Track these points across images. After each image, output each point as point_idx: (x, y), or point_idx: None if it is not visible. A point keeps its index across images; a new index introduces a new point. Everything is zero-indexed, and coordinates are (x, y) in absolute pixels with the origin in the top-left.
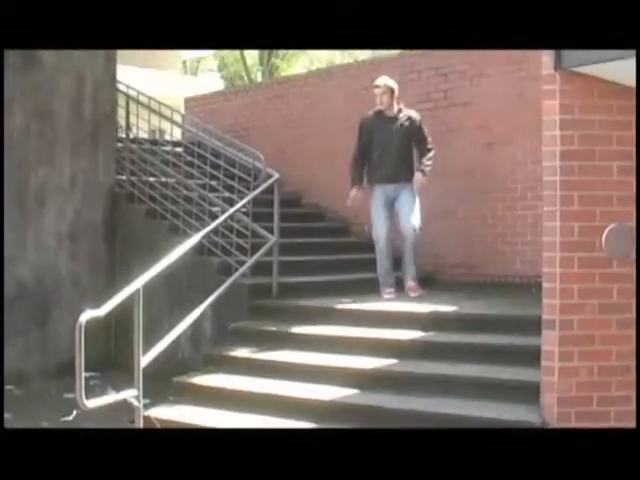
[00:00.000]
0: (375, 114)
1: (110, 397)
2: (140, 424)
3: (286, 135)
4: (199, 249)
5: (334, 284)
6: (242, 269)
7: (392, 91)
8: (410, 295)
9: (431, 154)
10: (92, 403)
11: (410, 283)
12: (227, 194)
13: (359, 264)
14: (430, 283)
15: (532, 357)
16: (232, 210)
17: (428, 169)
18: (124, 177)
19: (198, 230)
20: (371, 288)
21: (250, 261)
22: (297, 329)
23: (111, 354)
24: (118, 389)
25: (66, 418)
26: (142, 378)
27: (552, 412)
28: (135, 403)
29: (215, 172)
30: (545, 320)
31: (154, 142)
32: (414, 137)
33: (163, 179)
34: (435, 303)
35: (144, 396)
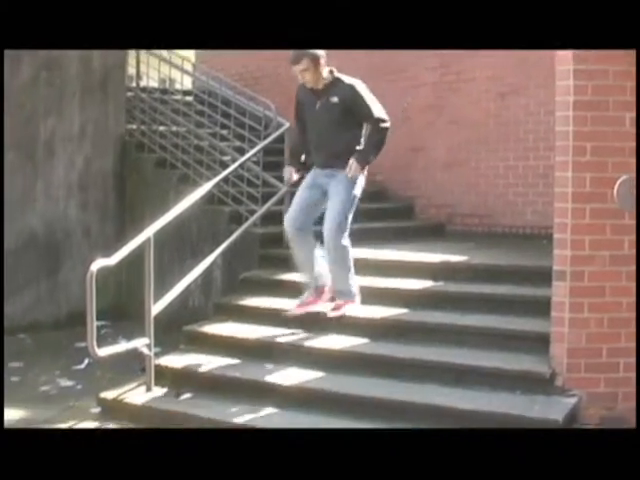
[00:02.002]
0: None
1: (121, 346)
2: (151, 372)
3: (296, 84)
4: (210, 198)
5: None
6: (253, 218)
7: (315, 62)
8: (327, 314)
9: (377, 134)
10: (103, 352)
11: (333, 298)
12: (238, 143)
13: (370, 213)
14: (441, 233)
15: (542, 308)
16: (243, 159)
17: (370, 155)
18: (134, 126)
19: (209, 179)
20: (381, 237)
21: (261, 210)
22: None
23: (122, 303)
24: (129, 338)
25: (78, 367)
26: (153, 327)
27: (562, 363)
28: (146, 352)
29: (226, 121)
30: (556, 271)
31: (164, 91)
32: (355, 112)
33: (173, 128)
34: (445, 253)
35: (155, 345)
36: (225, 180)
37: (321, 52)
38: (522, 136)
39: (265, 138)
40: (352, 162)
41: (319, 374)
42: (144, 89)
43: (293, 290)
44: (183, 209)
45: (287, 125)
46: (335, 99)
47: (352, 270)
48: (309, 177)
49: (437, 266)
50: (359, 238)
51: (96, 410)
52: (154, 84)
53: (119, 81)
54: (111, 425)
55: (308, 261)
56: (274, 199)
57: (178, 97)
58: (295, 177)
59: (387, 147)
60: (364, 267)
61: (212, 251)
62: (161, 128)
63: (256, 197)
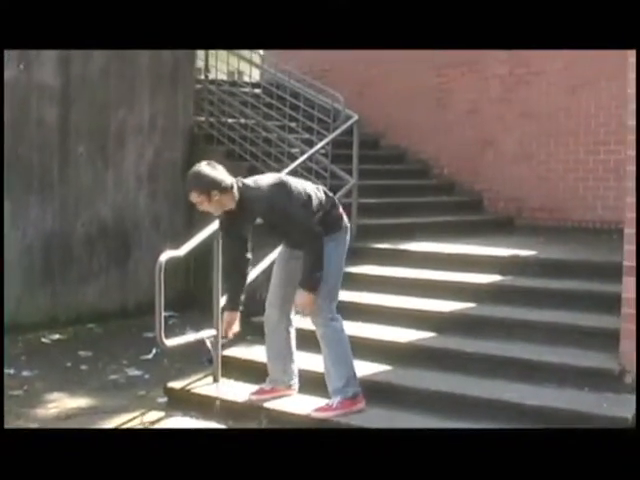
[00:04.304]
0: None
1: (189, 337)
2: (218, 364)
3: (365, 76)
4: None
5: (413, 226)
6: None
7: (207, 193)
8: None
9: (312, 252)
10: (171, 342)
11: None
12: (306, 135)
13: (438, 207)
14: (509, 227)
15: (612, 304)
16: (311, 151)
17: (313, 277)
18: (203, 118)
19: (277, 171)
20: (449, 231)
21: None
22: (375, 271)
23: (190, 292)
24: (197, 328)
25: (145, 357)
26: (221, 319)
27: (631, 359)
28: (213, 344)
29: (294, 113)
30: (626, 267)
31: (233, 83)
32: (275, 222)
33: (242, 120)
34: (514, 247)
35: (222, 336)
36: (293, 172)
37: (216, 179)
38: (593, 129)
39: (334, 130)
40: (301, 296)
41: (386, 367)
42: (213, 81)
43: (362, 282)
44: None
45: (356, 117)
46: (259, 220)
47: (346, 362)
48: (283, 251)
49: (506, 260)
50: (427, 231)
51: (163, 400)
52: (223, 76)
53: (188, 73)
54: (178, 416)
55: (280, 356)
56: (342, 191)
57: (246, 89)
58: (237, 327)
59: (456, 140)
60: (432, 260)
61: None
62: (230, 120)
63: None
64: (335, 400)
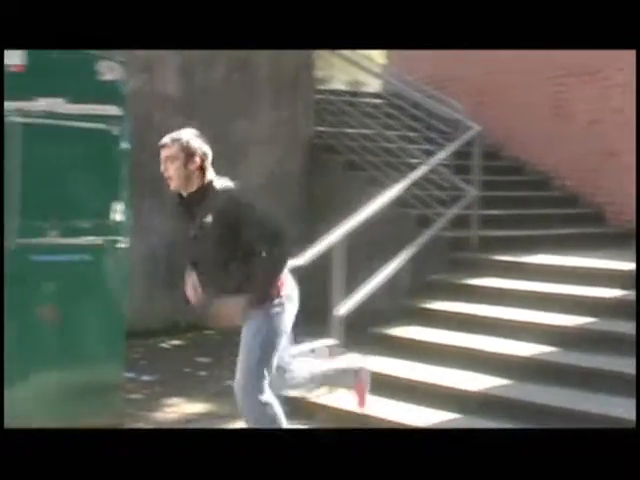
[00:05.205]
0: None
1: (306, 345)
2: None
3: (486, 86)
4: (397, 201)
5: (534, 239)
6: (442, 221)
7: (189, 155)
8: None
9: (273, 258)
10: None
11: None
12: (426, 146)
13: (559, 219)
14: (632, 240)
15: None
16: (433, 162)
17: (263, 288)
18: (323, 128)
19: (396, 182)
20: (571, 244)
21: (450, 214)
22: (495, 283)
23: (307, 303)
24: (312, 338)
25: None
26: (338, 328)
27: None
28: (333, 352)
29: (414, 123)
30: None
31: (353, 93)
32: (239, 229)
33: (362, 131)
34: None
35: (339, 345)
36: (413, 183)
37: (197, 145)
38: None
39: (453, 141)
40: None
41: (504, 381)
42: (333, 91)
43: (481, 294)
44: (373, 211)
45: (478, 129)
46: (209, 218)
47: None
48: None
49: (627, 274)
50: (548, 244)
51: None
52: (343, 87)
53: (308, 83)
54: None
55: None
56: (463, 202)
57: (367, 100)
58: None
59: (577, 151)
60: (553, 273)
61: (396, 254)
62: (349, 130)
63: (443, 200)
64: None
